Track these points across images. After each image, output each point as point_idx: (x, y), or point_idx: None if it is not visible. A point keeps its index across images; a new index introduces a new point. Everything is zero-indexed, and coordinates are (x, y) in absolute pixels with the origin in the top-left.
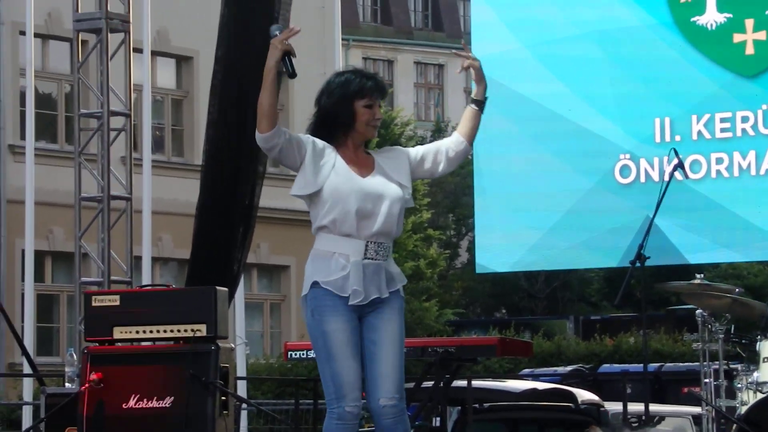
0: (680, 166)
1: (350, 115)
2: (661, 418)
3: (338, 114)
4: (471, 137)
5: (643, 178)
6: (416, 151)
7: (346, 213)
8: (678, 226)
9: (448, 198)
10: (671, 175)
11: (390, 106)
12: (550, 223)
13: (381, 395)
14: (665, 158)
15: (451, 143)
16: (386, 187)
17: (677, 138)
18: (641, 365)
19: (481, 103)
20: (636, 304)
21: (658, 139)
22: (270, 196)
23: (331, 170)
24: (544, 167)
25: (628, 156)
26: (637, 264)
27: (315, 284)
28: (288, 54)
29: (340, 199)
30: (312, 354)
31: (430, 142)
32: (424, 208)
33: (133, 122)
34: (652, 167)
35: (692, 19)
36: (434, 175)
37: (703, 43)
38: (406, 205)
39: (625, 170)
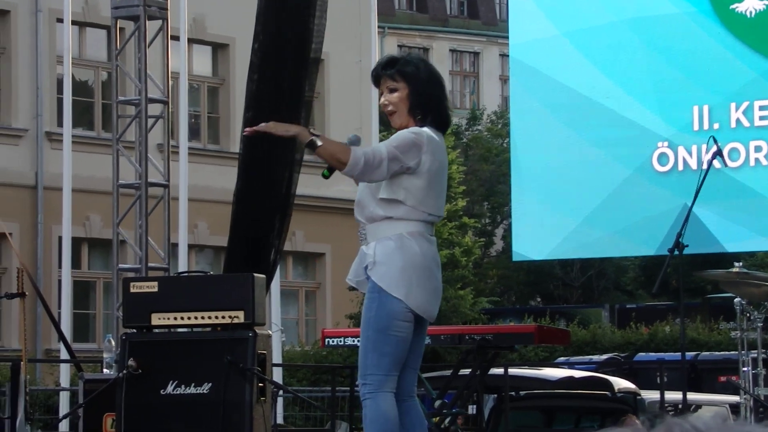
0: (719, 154)
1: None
2: (698, 406)
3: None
4: (336, 168)
5: (681, 167)
6: None
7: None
8: (716, 215)
9: (484, 186)
10: (710, 163)
11: None
12: (587, 211)
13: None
14: (703, 146)
15: None
16: None
17: (715, 126)
18: (677, 354)
19: (310, 145)
20: (672, 293)
21: (696, 127)
22: (306, 184)
23: None
24: (581, 155)
25: (666, 144)
26: (676, 252)
27: None
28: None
29: None
30: (348, 341)
31: (466, 129)
32: (459, 196)
33: (170, 109)
34: (690, 155)
35: (731, 7)
36: None
37: (742, 30)
38: (371, 191)
39: (662, 158)
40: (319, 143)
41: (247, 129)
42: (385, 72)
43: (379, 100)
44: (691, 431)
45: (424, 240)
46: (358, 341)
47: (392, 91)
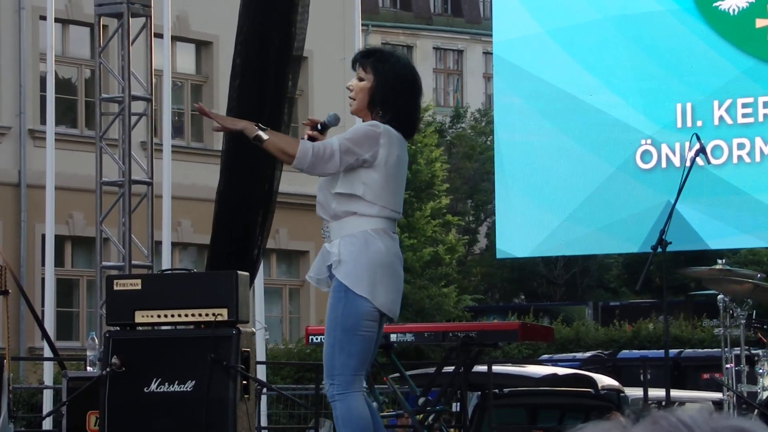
0: (702, 151)
1: None
2: (682, 403)
3: None
4: (283, 161)
5: (664, 164)
6: None
7: None
8: (699, 212)
9: (467, 184)
10: (693, 161)
11: None
12: (570, 208)
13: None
14: (687, 143)
15: None
16: None
17: (699, 123)
18: (660, 351)
19: (256, 139)
20: (655, 290)
21: (679, 125)
22: (289, 182)
23: None
24: (564, 152)
25: (649, 141)
26: (659, 249)
27: None
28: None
29: None
30: None
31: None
32: (442, 194)
33: (153, 107)
34: (674, 152)
35: (714, 4)
36: None
37: (725, 28)
38: (326, 185)
39: (646, 155)
40: (266, 137)
41: (203, 112)
42: (361, 59)
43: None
44: (678, 425)
45: (388, 237)
46: None
47: (360, 79)
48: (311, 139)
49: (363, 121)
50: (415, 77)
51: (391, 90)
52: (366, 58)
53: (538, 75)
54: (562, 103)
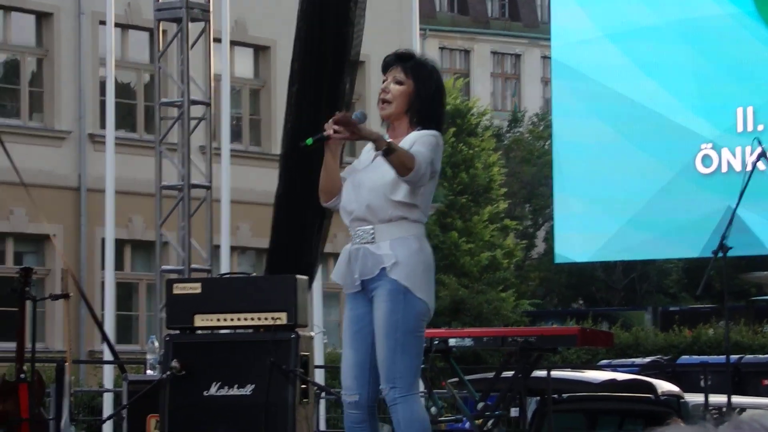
0: (763, 155)
1: None
2: (743, 409)
3: None
4: (399, 173)
5: (725, 168)
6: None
7: (341, 206)
8: (760, 217)
9: (525, 188)
10: (754, 165)
11: (466, 96)
12: (630, 213)
13: (381, 383)
14: (748, 148)
15: None
16: (370, 174)
17: (760, 127)
18: (721, 357)
19: (386, 152)
20: (715, 296)
21: (740, 129)
22: None
23: (360, 163)
24: (623, 157)
25: (710, 146)
26: (720, 254)
27: None
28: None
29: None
30: None
31: (507, 132)
32: (500, 199)
33: (212, 111)
34: (735, 157)
35: None
36: None
37: None
38: (385, 191)
39: (706, 160)
40: (395, 149)
41: (330, 130)
42: (400, 63)
43: (382, 88)
44: (760, 430)
45: (428, 241)
46: None
47: (398, 83)
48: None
49: (393, 125)
50: (444, 87)
51: (432, 99)
52: (405, 62)
53: (596, 79)
54: (621, 107)
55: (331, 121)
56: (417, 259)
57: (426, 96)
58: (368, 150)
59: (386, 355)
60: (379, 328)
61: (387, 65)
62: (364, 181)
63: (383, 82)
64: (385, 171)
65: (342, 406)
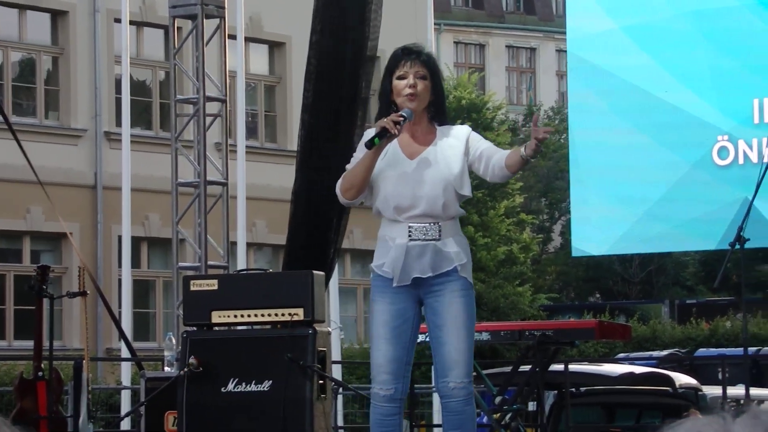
0: None
1: (389, 91)
2: (761, 401)
3: (382, 93)
4: (513, 172)
5: (741, 160)
6: (477, 145)
7: (385, 198)
8: None
9: (541, 182)
10: None
11: (482, 90)
12: (646, 206)
13: (451, 379)
14: (764, 139)
15: (497, 164)
16: (430, 169)
17: None
18: (738, 349)
19: (530, 160)
20: (732, 288)
21: (756, 120)
22: None
23: (383, 158)
24: (640, 149)
25: (726, 137)
26: (737, 246)
27: (372, 270)
28: (385, 131)
29: (381, 184)
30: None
31: (523, 125)
32: (516, 192)
33: (228, 108)
34: (751, 148)
35: None
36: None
37: None
38: (455, 186)
39: (723, 152)
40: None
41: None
42: (422, 58)
43: (407, 82)
44: None
45: None
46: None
47: (422, 77)
48: (392, 135)
49: (414, 119)
50: None
51: (443, 92)
52: (425, 58)
53: (612, 72)
54: (637, 100)
55: (390, 118)
56: (470, 258)
57: (440, 90)
58: (395, 145)
59: (464, 349)
60: (455, 326)
61: (399, 58)
62: (423, 176)
63: (396, 75)
64: (452, 164)
65: (361, 400)
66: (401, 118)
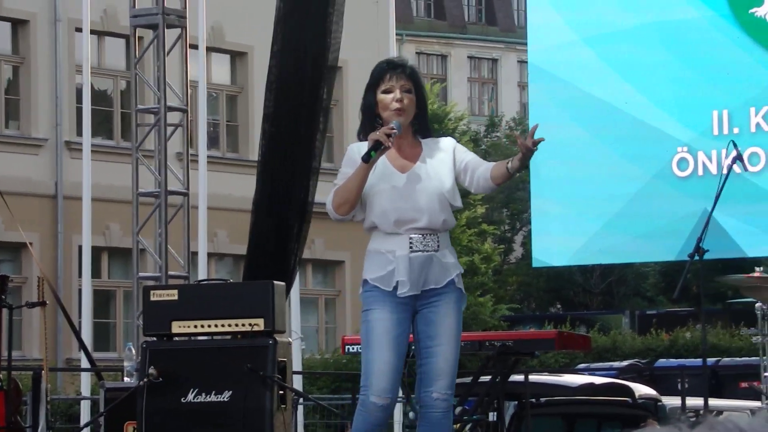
0: (739, 158)
1: (374, 105)
2: (719, 412)
3: (367, 107)
4: (498, 184)
5: (701, 171)
6: (462, 157)
7: (383, 212)
8: (736, 220)
9: (503, 193)
10: (729, 168)
11: (444, 101)
12: (606, 217)
13: (435, 389)
14: (723, 151)
15: (483, 176)
16: (422, 183)
17: (735, 130)
18: (698, 360)
19: (516, 173)
20: (692, 299)
21: (716, 132)
22: (324, 192)
23: (373, 173)
24: (600, 160)
25: (685, 149)
26: (696, 257)
27: (365, 282)
28: (379, 143)
29: (375, 199)
30: None
31: (485, 136)
32: (478, 203)
33: (189, 118)
34: (710, 160)
35: (750, 11)
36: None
37: (761, 34)
38: (448, 198)
39: (682, 163)
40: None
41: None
42: (408, 71)
43: (394, 96)
44: (734, 430)
45: None
46: None
47: (408, 91)
48: (386, 147)
49: (401, 132)
50: None
51: (426, 108)
52: (410, 71)
53: (573, 83)
54: (598, 111)
55: (382, 132)
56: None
57: (424, 103)
58: (383, 160)
59: (452, 362)
60: (447, 338)
61: (384, 72)
62: (417, 189)
63: (381, 89)
64: (444, 178)
65: (322, 411)
66: (393, 131)
